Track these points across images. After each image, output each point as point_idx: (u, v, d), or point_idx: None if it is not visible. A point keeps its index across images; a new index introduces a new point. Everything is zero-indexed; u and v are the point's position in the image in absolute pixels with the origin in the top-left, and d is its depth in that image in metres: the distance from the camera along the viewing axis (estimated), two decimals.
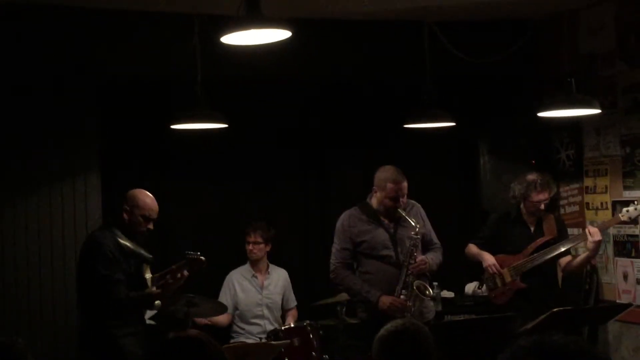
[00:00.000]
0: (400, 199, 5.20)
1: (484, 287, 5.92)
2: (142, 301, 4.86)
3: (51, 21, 5.75)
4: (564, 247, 5.58)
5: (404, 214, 5.20)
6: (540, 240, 5.66)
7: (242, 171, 6.70)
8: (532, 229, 5.75)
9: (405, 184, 5.21)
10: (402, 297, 5.15)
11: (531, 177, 5.68)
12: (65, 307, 5.79)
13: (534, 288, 5.62)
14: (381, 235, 5.28)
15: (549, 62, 6.64)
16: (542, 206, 5.66)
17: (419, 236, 5.19)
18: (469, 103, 6.78)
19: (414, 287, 5.15)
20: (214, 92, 5.40)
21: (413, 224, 5.16)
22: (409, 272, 5.16)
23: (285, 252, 6.63)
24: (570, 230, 6.41)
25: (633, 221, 5.58)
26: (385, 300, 5.15)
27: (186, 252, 4.96)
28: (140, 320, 4.97)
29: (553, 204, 5.98)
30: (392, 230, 5.29)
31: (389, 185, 5.20)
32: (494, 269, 5.67)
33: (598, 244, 5.47)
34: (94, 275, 4.70)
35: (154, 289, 4.85)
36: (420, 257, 5.19)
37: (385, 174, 5.26)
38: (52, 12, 5.70)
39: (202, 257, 4.95)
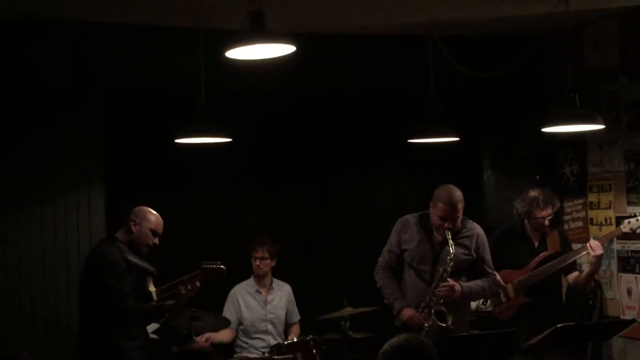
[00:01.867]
0: (451, 222, 5.09)
1: (489, 302, 5.91)
2: (154, 312, 4.86)
3: (56, 35, 5.77)
4: (565, 261, 5.57)
5: (448, 237, 5.08)
6: (543, 255, 5.65)
7: (245, 184, 6.70)
8: (536, 244, 5.74)
9: (458, 207, 5.09)
10: (423, 314, 5.13)
11: (533, 193, 5.67)
12: (67, 318, 5.79)
13: (537, 303, 5.61)
14: (425, 249, 5.22)
15: (553, 77, 6.64)
16: (546, 222, 5.67)
17: (452, 262, 5.07)
18: (473, 118, 6.78)
19: (432, 312, 5.11)
20: (218, 106, 5.41)
21: (451, 250, 5.06)
22: (434, 294, 5.12)
23: (289, 266, 6.61)
24: (574, 246, 6.39)
25: (634, 232, 5.58)
26: (406, 312, 5.16)
27: (202, 262, 5.00)
28: (144, 334, 4.96)
29: (556, 220, 5.97)
30: (438, 247, 5.20)
31: (440, 205, 5.11)
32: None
33: (599, 258, 5.46)
34: (102, 287, 4.69)
35: (170, 301, 4.86)
36: (447, 283, 5.08)
37: (440, 192, 5.16)
38: (57, 26, 5.73)
39: (222, 267, 5.02)
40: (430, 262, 5.20)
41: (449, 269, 5.09)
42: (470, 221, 5.32)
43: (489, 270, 5.35)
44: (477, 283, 5.26)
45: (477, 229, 5.33)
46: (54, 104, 5.86)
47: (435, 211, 5.13)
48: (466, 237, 5.25)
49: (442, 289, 5.08)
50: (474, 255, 5.26)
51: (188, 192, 6.59)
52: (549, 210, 5.65)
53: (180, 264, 5.73)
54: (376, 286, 5.44)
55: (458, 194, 5.15)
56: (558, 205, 5.83)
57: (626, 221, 5.51)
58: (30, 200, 5.84)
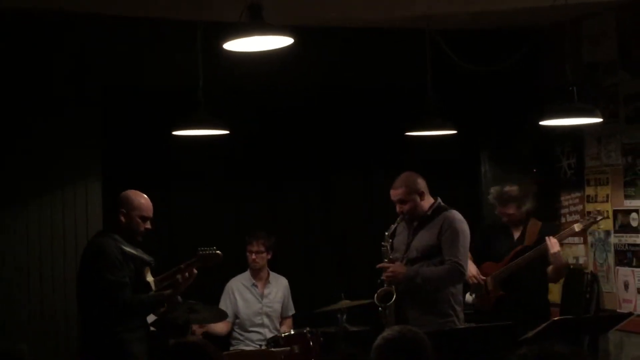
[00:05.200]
0: (401, 205, 5.22)
1: (474, 295, 5.98)
2: (152, 303, 4.86)
3: (54, 28, 5.77)
4: (534, 256, 5.64)
5: (398, 220, 5.24)
6: (518, 248, 5.73)
7: (243, 177, 6.70)
8: (515, 236, 5.81)
9: (397, 192, 5.20)
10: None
11: (505, 189, 5.80)
12: (65, 313, 5.80)
13: (512, 297, 5.69)
14: (403, 238, 5.32)
15: (551, 71, 6.64)
16: (506, 219, 5.81)
17: (384, 246, 5.21)
18: (470, 111, 6.78)
19: (375, 295, 5.17)
20: (215, 99, 5.40)
21: (392, 227, 5.22)
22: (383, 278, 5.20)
23: (286, 260, 6.62)
24: (571, 239, 6.42)
25: (582, 232, 5.66)
26: None
27: (199, 248, 4.99)
28: (145, 326, 4.96)
29: (531, 210, 5.96)
30: (411, 236, 5.30)
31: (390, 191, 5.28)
32: (473, 280, 5.76)
33: (554, 255, 5.55)
34: (100, 281, 4.68)
35: (168, 290, 4.86)
36: (385, 265, 5.17)
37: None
38: (55, 19, 5.72)
39: (218, 252, 5.01)
40: (403, 250, 5.26)
41: (390, 254, 5.18)
42: (447, 211, 5.27)
43: (448, 256, 5.15)
44: (431, 268, 5.16)
45: (447, 216, 5.24)
46: (53, 99, 5.85)
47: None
48: (434, 224, 5.24)
49: (384, 273, 5.16)
50: (437, 240, 5.20)
51: (187, 186, 6.58)
52: (511, 210, 5.78)
53: (179, 259, 5.73)
54: None
55: (402, 177, 5.25)
56: (529, 205, 5.84)
57: (581, 220, 5.61)
58: (28, 194, 5.84)
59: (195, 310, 5.27)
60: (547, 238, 5.60)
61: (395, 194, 5.25)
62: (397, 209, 5.25)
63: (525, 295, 5.69)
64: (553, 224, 6.22)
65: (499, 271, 5.73)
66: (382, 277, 5.17)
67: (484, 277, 5.77)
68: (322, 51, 6.34)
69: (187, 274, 4.87)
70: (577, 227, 5.65)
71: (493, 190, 5.92)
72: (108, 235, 4.85)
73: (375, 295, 5.15)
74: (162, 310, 4.94)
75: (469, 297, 6.39)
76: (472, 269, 5.75)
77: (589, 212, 5.89)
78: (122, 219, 4.83)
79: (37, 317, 5.81)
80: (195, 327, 5.76)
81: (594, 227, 6.04)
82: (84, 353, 4.85)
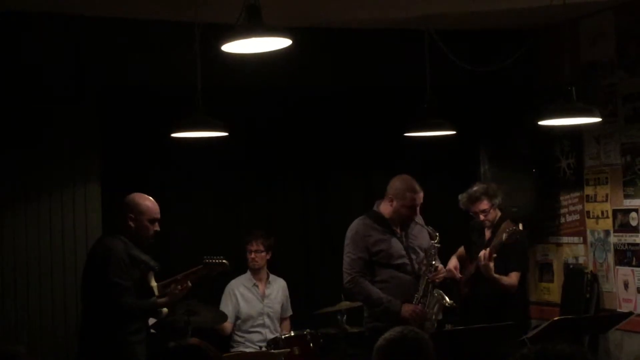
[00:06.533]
0: (417, 208, 5.30)
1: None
2: (148, 309, 4.86)
3: (50, 29, 5.76)
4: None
5: (420, 223, 5.29)
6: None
7: (243, 181, 6.70)
8: (487, 237, 5.83)
9: (422, 194, 5.30)
10: (421, 304, 5.23)
11: (472, 189, 5.86)
12: (64, 315, 5.79)
13: (476, 296, 5.77)
14: (396, 244, 5.33)
15: (550, 71, 6.64)
16: (482, 217, 5.79)
17: (439, 245, 5.26)
18: (470, 111, 6.78)
19: (435, 295, 5.22)
20: (214, 101, 5.39)
21: (431, 232, 5.25)
22: (429, 280, 5.22)
23: (286, 261, 6.61)
24: (570, 239, 6.43)
25: (510, 239, 5.62)
26: (407, 308, 5.22)
27: (205, 257, 4.99)
28: (147, 328, 4.97)
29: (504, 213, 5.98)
30: (404, 239, 5.34)
31: (408, 195, 5.26)
32: (449, 274, 5.78)
33: (483, 267, 5.54)
34: (103, 281, 4.68)
35: (164, 298, 4.86)
36: (440, 266, 5.29)
37: (404, 184, 5.31)
38: (52, 20, 5.72)
39: (225, 261, 5.03)
40: (405, 255, 5.31)
41: (436, 252, 5.27)
42: None
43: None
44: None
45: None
46: (50, 100, 5.84)
47: (402, 203, 5.27)
48: (414, 222, 5.38)
49: (438, 273, 5.25)
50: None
51: (185, 188, 6.57)
52: (483, 206, 5.78)
53: (177, 261, 5.73)
54: (356, 296, 5.45)
55: (414, 180, 5.35)
56: (499, 198, 5.85)
57: (507, 230, 5.63)
58: (27, 197, 5.82)
59: (194, 312, 5.26)
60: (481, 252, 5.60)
61: (422, 196, 5.32)
62: (412, 213, 5.30)
63: (485, 297, 5.70)
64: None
65: (468, 271, 5.82)
66: (433, 279, 5.24)
67: (461, 276, 5.88)
68: (322, 51, 6.33)
69: (179, 287, 4.87)
70: (503, 237, 5.63)
71: (460, 196, 5.93)
72: (117, 236, 4.85)
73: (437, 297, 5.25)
74: (162, 315, 4.93)
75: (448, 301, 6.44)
76: (451, 262, 5.88)
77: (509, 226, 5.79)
78: (131, 224, 4.85)
79: (36, 318, 5.79)
80: None
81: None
82: (84, 354, 4.84)
